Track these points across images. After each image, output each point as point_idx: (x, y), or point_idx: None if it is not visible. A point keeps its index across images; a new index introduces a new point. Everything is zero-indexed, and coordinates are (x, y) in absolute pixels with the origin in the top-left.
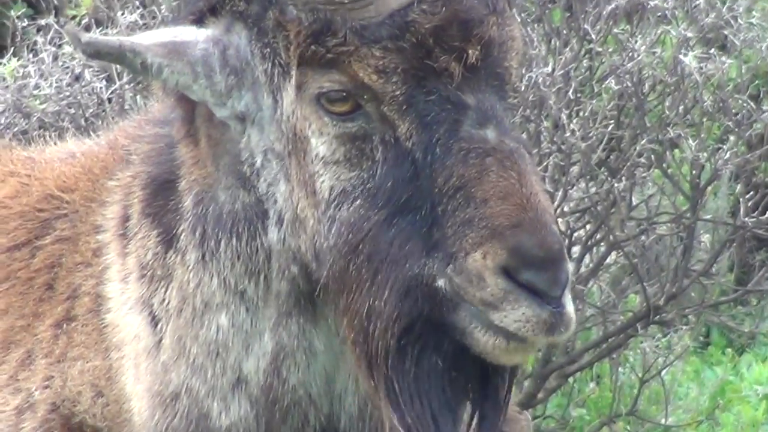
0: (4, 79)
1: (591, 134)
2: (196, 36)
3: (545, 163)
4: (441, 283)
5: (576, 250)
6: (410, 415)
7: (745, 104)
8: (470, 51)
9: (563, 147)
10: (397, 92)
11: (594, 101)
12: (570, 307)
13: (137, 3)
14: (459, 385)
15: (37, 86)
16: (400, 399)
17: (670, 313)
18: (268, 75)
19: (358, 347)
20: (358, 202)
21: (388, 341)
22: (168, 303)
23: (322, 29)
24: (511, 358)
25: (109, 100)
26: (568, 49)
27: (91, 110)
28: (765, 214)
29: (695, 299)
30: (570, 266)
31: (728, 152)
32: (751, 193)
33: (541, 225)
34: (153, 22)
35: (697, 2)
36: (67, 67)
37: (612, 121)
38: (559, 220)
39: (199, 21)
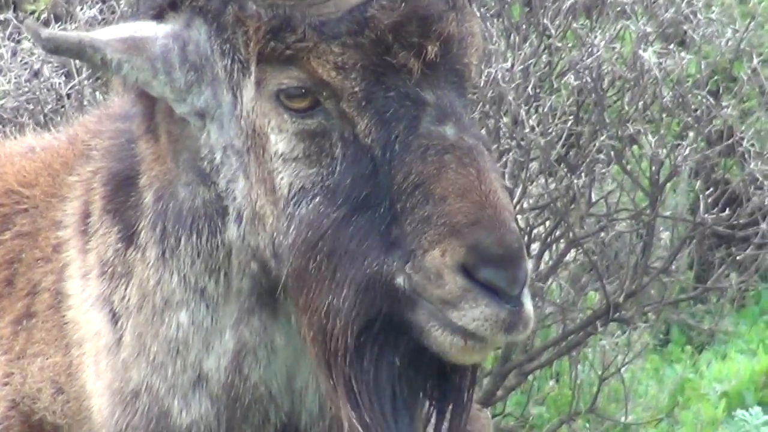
0: None
1: (550, 130)
2: (156, 31)
3: (504, 160)
4: (400, 280)
5: (535, 247)
6: (368, 414)
7: (704, 100)
8: (429, 47)
9: (522, 143)
10: (356, 89)
11: (553, 97)
12: (529, 305)
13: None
14: (417, 384)
15: None
16: (359, 398)
17: (630, 310)
18: (228, 71)
19: (317, 345)
20: (317, 199)
21: (347, 339)
22: (128, 300)
23: (281, 25)
24: (469, 357)
25: (69, 96)
26: (527, 44)
27: (50, 106)
28: (725, 210)
29: (655, 297)
30: (529, 264)
31: (688, 148)
32: (711, 189)
33: (500, 222)
34: (112, 17)
35: None
36: (26, 63)
37: (571, 117)
38: (519, 216)
39: (159, 16)
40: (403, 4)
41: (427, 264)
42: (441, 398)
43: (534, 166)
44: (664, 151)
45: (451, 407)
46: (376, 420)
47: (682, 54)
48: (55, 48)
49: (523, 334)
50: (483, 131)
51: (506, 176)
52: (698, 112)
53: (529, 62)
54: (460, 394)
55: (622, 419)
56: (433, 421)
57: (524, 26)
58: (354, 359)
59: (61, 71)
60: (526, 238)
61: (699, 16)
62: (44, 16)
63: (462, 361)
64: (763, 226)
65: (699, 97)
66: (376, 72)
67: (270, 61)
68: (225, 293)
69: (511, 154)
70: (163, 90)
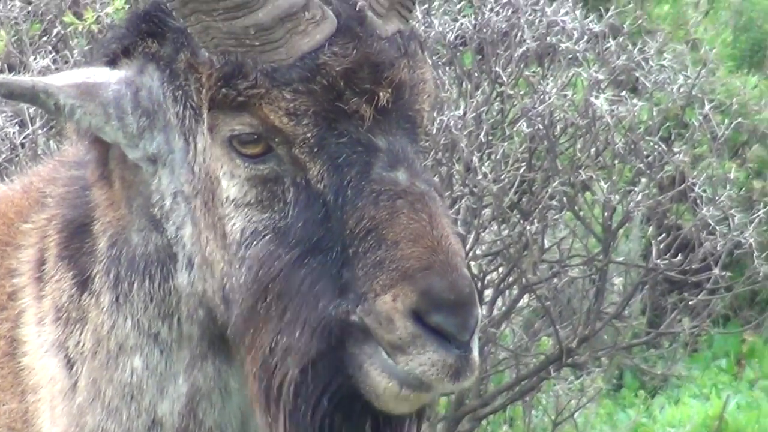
0: None
1: (503, 177)
2: (109, 77)
3: (457, 206)
4: (354, 317)
5: (488, 293)
6: None
7: (656, 146)
8: (381, 93)
9: (475, 190)
10: (308, 135)
11: (506, 144)
12: (476, 352)
13: (49, 48)
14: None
15: None
16: None
17: (583, 355)
18: (180, 117)
19: (258, 382)
20: (268, 238)
21: (289, 377)
22: (83, 345)
23: (233, 72)
24: (400, 405)
25: (23, 145)
26: (479, 92)
27: (3, 155)
28: (677, 256)
29: (608, 342)
30: (480, 310)
31: (640, 194)
32: (663, 235)
33: (452, 268)
34: (65, 66)
35: (608, 44)
36: None
37: (524, 164)
38: (472, 263)
39: (112, 62)
40: (355, 51)
41: (378, 308)
42: None
43: (487, 212)
44: (617, 197)
45: None
46: None
47: (634, 101)
48: (9, 93)
49: (469, 380)
50: (436, 178)
51: (459, 222)
52: (650, 159)
53: (482, 109)
54: None
55: None
56: None
57: (476, 74)
58: (292, 399)
59: (15, 121)
60: (479, 284)
61: (651, 63)
62: None
63: (392, 409)
64: (715, 271)
65: (651, 144)
66: (328, 118)
67: (222, 108)
68: (178, 338)
69: (463, 200)
70: (116, 135)
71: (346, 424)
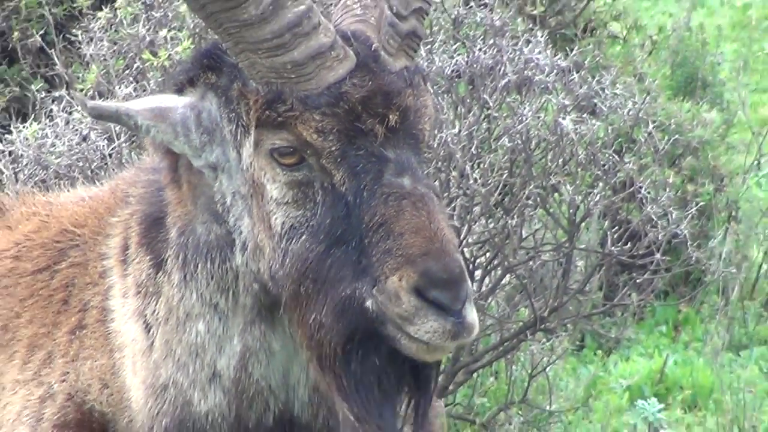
0: (27, 139)
1: (489, 181)
2: (177, 102)
3: (453, 205)
4: (369, 303)
5: (478, 273)
6: (357, 405)
7: (610, 157)
8: (391, 116)
9: (467, 192)
10: (333, 148)
11: (491, 155)
12: (472, 316)
13: (131, 79)
14: (396, 379)
15: (53, 144)
16: (348, 393)
17: (553, 322)
18: (233, 134)
19: (311, 351)
20: (304, 236)
21: (333, 348)
22: (158, 313)
23: (274, 98)
24: (433, 356)
25: (110, 155)
26: (470, 114)
27: (95, 164)
28: (627, 244)
29: (572, 311)
30: (470, 285)
31: (597, 195)
32: (616, 227)
33: (446, 253)
34: (143, 93)
35: (573, 77)
36: (77, 130)
37: (506, 171)
38: (465, 249)
39: (180, 90)
40: (370, 82)
41: (388, 287)
42: (416, 389)
43: (477, 210)
44: (579, 197)
45: (421, 397)
46: (364, 410)
47: (593, 121)
48: (98, 115)
49: (468, 338)
50: (436, 183)
51: (454, 218)
52: (606, 167)
53: (473, 128)
54: (428, 383)
55: (547, 407)
56: (410, 408)
57: (468, 100)
58: (342, 363)
59: (104, 136)
60: (470, 266)
61: (606, 91)
62: (90, 93)
63: (428, 359)
64: (657, 256)
65: (606, 155)
66: (349, 135)
67: (265, 126)
68: (233, 308)
69: (458, 200)
70: (183, 148)
71: (392, 372)
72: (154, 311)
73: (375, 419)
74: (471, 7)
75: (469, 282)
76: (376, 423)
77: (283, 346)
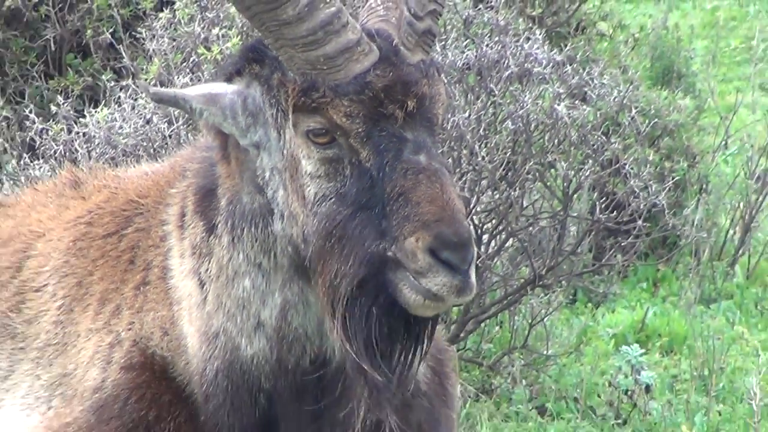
0: (99, 122)
1: (495, 159)
2: (226, 89)
3: (464, 179)
4: (389, 253)
5: (485, 237)
6: (356, 345)
7: (599, 138)
8: (409, 102)
9: (476, 167)
10: (360, 129)
11: (497, 137)
12: (473, 277)
13: (188, 70)
14: (392, 329)
15: (120, 127)
16: (350, 334)
17: (549, 279)
18: (274, 117)
19: (325, 297)
20: (332, 201)
21: (346, 293)
22: (210, 271)
23: (309, 87)
24: (425, 311)
25: (170, 136)
26: (479, 101)
27: (157, 143)
28: (613, 213)
29: (566, 270)
30: (475, 249)
31: (588, 171)
32: (604, 198)
33: (456, 220)
34: (198, 82)
35: (567, 69)
36: (141, 114)
37: (509, 150)
38: (474, 217)
39: (228, 79)
40: (391, 73)
41: (407, 247)
42: (409, 340)
43: (484, 183)
44: (572, 172)
45: (416, 347)
46: (362, 350)
47: (584, 107)
48: (159, 100)
49: (469, 296)
50: (448, 160)
51: (465, 189)
52: (594, 147)
53: (480, 113)
54: (420, 338)
55: (545, 352)
56: (402, 357)
57: (476, 89)
58: (349, 308)
59: (165, 119)
60: (478, 231)
61: (595, 81)
62: (152, 82)
63: (419, 313)
64: (639, 222)
65: (595, 136)
66: (373, 118)
67: (301, 110)
68: (274, 267)
69: (468, 175)
70: (231, 129)
71: (387, 323)
72: (207, 269)
73: (366, 359)
74: (479, 8)
75: (475, 247)
76: (368, 362)
77: (317, 299)
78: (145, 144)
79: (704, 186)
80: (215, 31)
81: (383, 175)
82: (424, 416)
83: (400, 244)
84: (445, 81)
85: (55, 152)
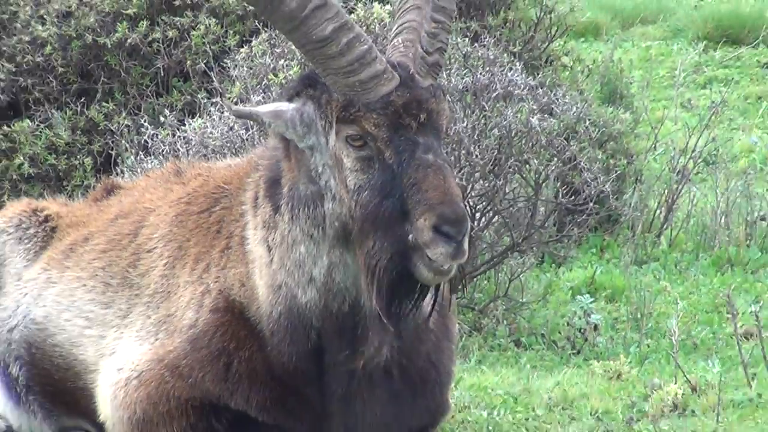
0: (195, 129)
1: (485, 157)
2: (288, 107)
3: (462, 172)
4: (410, 237)
5: (477, 215)
6: (380, 303)
7: (561, 142)
8: (421, 115)
9: (471, 163)
10: (384, 135)
11: (486, 141)
12: (466, 245)
13: (260, 91)
14: (405, 292)
15: (211, 133)
16: (381, 294)
17: (524, 246)
18: (323, 127)
19: (364, 265)
20: (366, 192)
21: (380, 265)
22: (275, 240)
23: (348, 104)
24: (433, 283)
25: (247, 140)
26: (473, 114)
27: (237, 145)
28: (572, 197)
29: (537, 239)
30: (469, 223)
31: (553, 166)
32: (565, 187)
33: (455, 203)
34: (268, 100)
35: (539, 91)
36: (226, 123)
37: (496, 150)
38: (469, 200)
39: (290, 99)
40: (408, 94)
41: (418, 225)
42: (421, 298)
43: (477, 175)
44: (542, 167)
45: (422, 301)
46: (384, 305)
47: (551, 119)
48: (239, 115)
49: (462, 259)
50: (451, 158)
51: (462, 179)
52: (558, 148)
53: (474, 123)
54: (430, 296)
55: (520, 300)
56: (415, 309)
57: (472, 105)
58: (380, 275)
59: (243, 127)
60: (472, 211)
61: (560, 100)
62: (234, 100)
63: (429, 284)
64: (590, 205)
65: (559, 141)
66: (394, 127)
67: (342, 122)
68: (322, 237)
69: (465, 169)
70: (291, 136)
71: (407, 287)
72: (273, 239)
73: (388, 313)
74: (475, 46)
75: (470, 222)
76: (387, 314)
77: (353, 261)
78: (228, 145)
79: (639, 178)
80: (281, 62)
81: (401, 170)
82: (431, 347)
83: (414, 224)
84: (449, 100)
85: (162, 151)
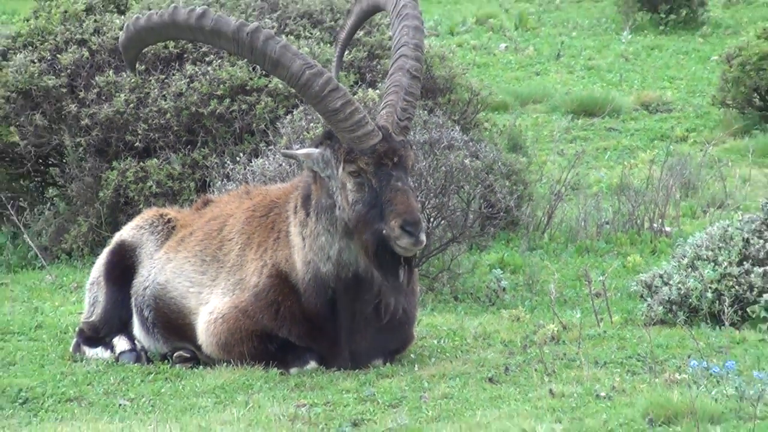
0: (258, 165)
1: (437, 184)
2: (315, 151)
3: (422, 193)
4: (385, 232)
5: (431, 220)
6: (379, 269)
7: (484, 175)
8: (395, 158)
9: (428, 188)
10: (371, 170)
11: (437, 174)
12: (423, 237)
13: (298, 142)
14: (393, 262)
15: (267, 168)
16: (375, 264)
17: (460, 239)
18: (335, 164)
19: (361, 248)
20: (360, 205)
21: (371, 246)
22: (306, 233)
23: (349, 150)
24: (408, 253)
25: (290, 172)
26: (430, 158)
27: (284, 175)
28: (490, 208)
29: (468, 235)
30: (424, 224)
31: (478, 190)
32: (486, 202)
33: (414, 212)
34: (304, 146)
35: (470, 143)
36: (277, 161)
37: (443, 179)
38: (426, 211)
39: (316, 146)
40: (387, 145)
41: (391, 226)
42: (407, 267)
43: (431, 195)
44: (471, 191)
45: (408, 270)
46: (382, 272)
47: (477, 161)
48: (285, 155)
49: (421, 246)
50: (414, 185)
51: (421, 198)
52: (482, 180)
53: (430, 163)
54: (411, 264)
55: (458, 271)
56: (402, 272)
57: (428, 152)
58: (373, 252)
59: (288, 163)
60: (428, 217)
61: (483, 149)
62: (282, 146)
63: (407, 255)
64: (501, 214)
65: (482, 174)
66: (377, 165)
67: (346, 161)
68: (335, 232)
69: (423, 191)
70: (317, 169)
71: (390, 258)
72: (305, 232)
73: (387, 276)
74: (430, 115)
75: (424, 224)
76: (386, 277)
77: (354, 246)
78: (279, 176)
79: (531, 198)
80: (311, 124)
81: (381, 191)
82: (403, 300)
83: (388, 224)
84: (414, 149)
85: (238, 179)
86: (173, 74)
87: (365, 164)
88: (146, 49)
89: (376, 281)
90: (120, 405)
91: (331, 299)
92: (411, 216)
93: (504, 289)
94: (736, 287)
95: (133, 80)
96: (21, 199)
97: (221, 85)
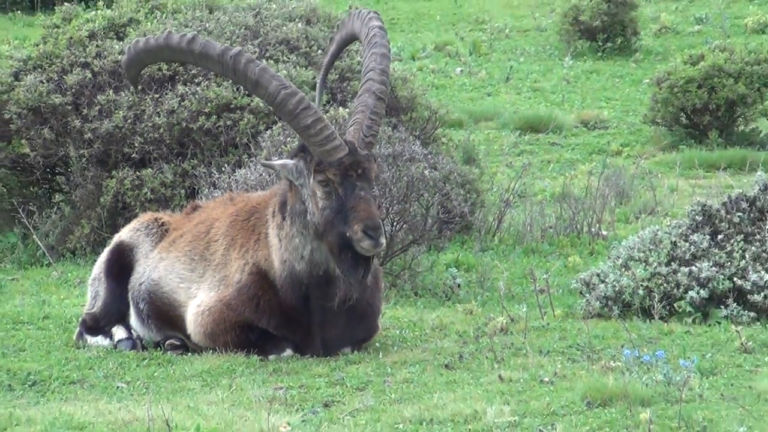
0: (241, 174)
1: (399, 192)
2: (291, 162)
3: (386, 200)
4: (348, 234)
5: (395, 224)
6: (342, 269)
7: (443, 185)
8: (359, 170)
9: (391, 196)
10: (338, 180)
11: (399, 184)
12: (383, 240)
13: (277, 154)
14: (354, 261)
15: (249, 177)
16: (339, 264)
17: (420, 241)
18: (307, 174)
19: (329, 249)
20: (327, 211)
21: (337, 247)
22: (282, 235)
23: (319, 162)
24: (369, 253)
25: (269, 181)
26: (393, 169)
27: (264, 183)
28: (447, 214)
29: (427, 238)
30: (384, 230)
31: (436, 198)
32: (443, 209)
33: (375, 218)
34: (281, 157)
35: (429, 156)
36: (258, 171)
37: (405, 188)
38: (390, 217)
39: (291, 158)
40: (353, 158)
41: (354, 230)
42: (365, 264)
43: (395, 202)
44: (431, 198)
45: (366, 268)
46: (345, 271)
47: (436, 172)
48: (264, 166)
49: (381, 248)
50: (377, 193)
51: (384, 205)
52: (440, 189)
53: (393, 174)
54: (369, 263)
55: (418, 270)
56: (363, 271)
57: (392, 165)
58: (337, 252)
59: (267, 173)
60: (392, 222)
61: (441, 161)
62: (263, 158)
63: (367, 255)
64: (457, 218)
65: (441, 184)
66: (343, 176)
67: (316, 172)
68: (307, 234)
69: (387, 199)
70: (292, 178)
71: (353, 258)
72: (282, 234)
73: (349, 276)
74: (394, 131)
75: (383, 228)
76: (348, 277)
77: (324, 247)
78: (260, 184)
79: (483, 204)
80: (288, 139)
81: (346, 199)
82: (369, 294)
83: (352, 228)
84: (378, 162)
85: (223, 187)
86: (166, 93)
87: (333, 175)
88: (142, 72)
89: (343, 278)
90: (118, 387)
91: (304, 294)
92: (372, 222)
93: (459, 286)
94: (665, 285)
95: (131, 98)
96: (31, 203)
97: (209, 104)
